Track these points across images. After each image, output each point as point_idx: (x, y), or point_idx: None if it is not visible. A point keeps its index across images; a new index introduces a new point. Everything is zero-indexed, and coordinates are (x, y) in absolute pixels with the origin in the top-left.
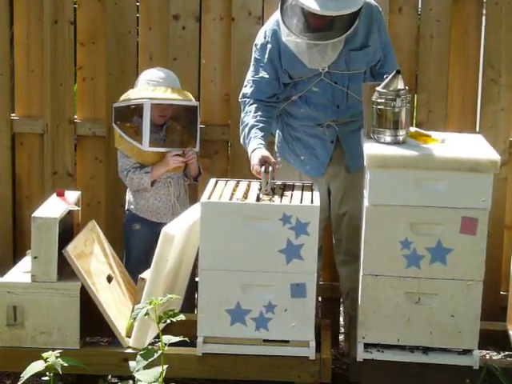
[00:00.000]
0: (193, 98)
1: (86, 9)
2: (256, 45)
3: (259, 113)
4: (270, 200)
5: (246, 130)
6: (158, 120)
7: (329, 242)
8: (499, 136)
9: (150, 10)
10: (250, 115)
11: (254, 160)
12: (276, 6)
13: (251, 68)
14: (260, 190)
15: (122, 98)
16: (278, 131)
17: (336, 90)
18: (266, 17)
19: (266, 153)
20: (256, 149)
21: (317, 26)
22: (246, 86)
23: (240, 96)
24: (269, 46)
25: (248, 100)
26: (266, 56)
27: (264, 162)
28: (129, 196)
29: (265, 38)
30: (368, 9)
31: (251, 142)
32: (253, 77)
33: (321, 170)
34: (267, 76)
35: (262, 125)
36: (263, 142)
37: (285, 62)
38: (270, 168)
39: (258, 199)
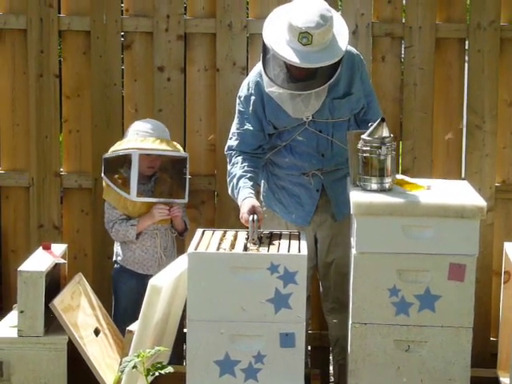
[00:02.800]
0: (182, 150)
1: (71, 62)
2: (240, 97)
3: (246, 163)
4: (257, 249)
5: (235, 180)
6: (147, 171)
7: (316, 290)
8: (485, 182)
9: (134, 62)
10: (237, 166)
11: (244, 209)
12: (260, 57)
13: (236, 120)
14: (247, 239)
15: (111, 149)
16: (263, 181)
17: (320, 139)
18: (251, 67)
19: (256, 203)
20: (246, 198)
21: (299, 76)
22: (231, 139)
23: (226, 148)
24: (252, 97)
25: (234, 152)
26: (250, 108)
27: (253, 211)
28: (116, 248)
29: (248, 89)
30: (350, 57)
31: (241, 192)
32: (238, 129)
33: (307, 218)
34: (252, 128)
35: (250, 175)
36: (253, 192)
37: (269, 113)
38: (256, 217)
39: (246, 248)
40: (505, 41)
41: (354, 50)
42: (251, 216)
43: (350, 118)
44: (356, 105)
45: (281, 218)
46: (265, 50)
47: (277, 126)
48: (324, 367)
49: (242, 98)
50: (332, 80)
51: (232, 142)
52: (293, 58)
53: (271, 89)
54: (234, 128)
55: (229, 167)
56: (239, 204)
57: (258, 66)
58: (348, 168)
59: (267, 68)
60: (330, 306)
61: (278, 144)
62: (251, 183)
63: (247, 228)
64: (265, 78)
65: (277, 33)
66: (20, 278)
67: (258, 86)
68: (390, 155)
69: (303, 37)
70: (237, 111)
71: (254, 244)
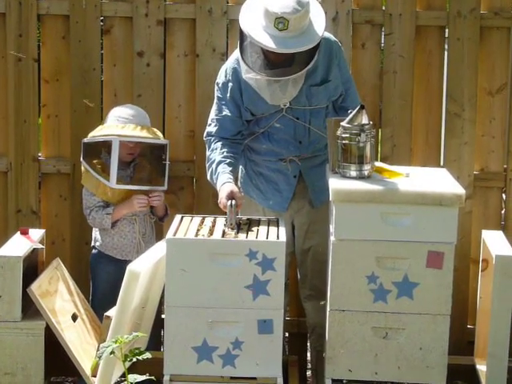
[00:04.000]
0: (162, 136)
1: (49, 46)
2: (218, 83)
3: (225, 149)
4: (235, 235)
5: (214, 165)
6: (126, 157)
7: (294, 277)
8: (463, 170)
9: (114, 46)
10: (216, 152)
11: (222, 194)
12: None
13: (214, 107)
14: (226, 225)
15: (91, 134)
16: (241, 167)
17: (298, 126)
18: (231, 53)
19: (235, 188)
20: (225, 183)
21: (276, 62)
22: (210, 125)
23: (204, 135)
24: (230, 84)
25: (213, 138)
26: (228, 94)
27: (231, 196)
28: (95, 233)
29: (226, 76)
30: (327, 44)
31: (220, 177)
32: (216, 115)
33: (284, 204)
34: (230, 114)
35: (229, 160)
36: (231, 177)
37: (246, 99)
38: (234, 202)
39: (224, 235)
40: (485, 29)
41: (332, 36)
42: (229, 201)
43: (327, 105)
44: (334, 92)
45: (258, 204)
46: (242, 36)
47: (254, 113)
48: (302, 354)
49: (219, 85)
50: (309, 66)
51: (211, 128)
52: (269, 44)
53: (249, 75)
54: (212, 114)
55: (208, 153)
56: (218, 189)
57: (236, 53)
58: (326, 154)
59: (244, 54)
60: (307, 292)
61: (255, 131)
62: (230, 168)
63: (226, 214)
64: (242, 64)
65: (253, 19)
66: None
67: (236, 72)
68: (369, 142)
69: (279, 22)
70: (215, 97)
71: (232, 229)
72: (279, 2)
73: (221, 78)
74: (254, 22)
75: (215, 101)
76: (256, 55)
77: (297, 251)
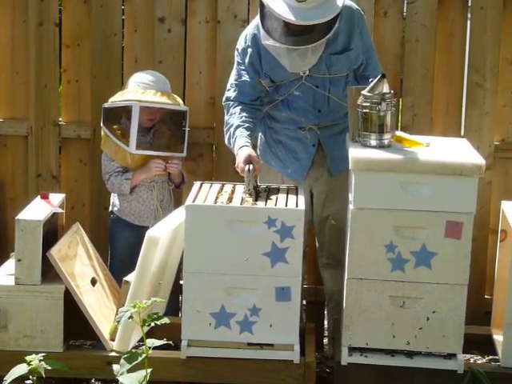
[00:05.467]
0: (182, 103)
1: (71, 11)
2: (237, 49)
3: (244, 113)
4: (253, 201)
5: (232, 130)
6: (146, 123)
7: (313, 244)
8: (484, 140)
9: (135, 12)
10: (234, 116)
11: (240, 158)
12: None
13: (234, 72)
14: (244, 191)
15: (111, 99)
16: (260, 134)
17: (317, 94)
18: (252, 20)
19: (252, 152)
20: (242, 147)
21: (295, 31)
22: (229, 90)
23: (223, 99)
24: (249, 50)
25: (232, 103)
26: (247, 60)
27: (249, 161)
28: (113, 198)
29: (245, 42)
30: (349, 12)
31: (237, 141)
32: (235, 80)
33: (303, 173)
34: (249, 79)
35: (247, 125)
36: (249, 141)
37: (265, 65)
38: (252, 167)
39: (242, 201)
40: None
41: (354, 5)
42: (247, 166)
43: (348, 73)
44: (355, 60)
45: (277, 172)
46: (262, 4)
47: (273, 80)
48: (319, 321)
49: (239, 50)
50: (329, 35)
51: (230, 93)
52: (287, 15)
53: (268, 42)
54: (231, 79)
55: (226, 117)
56: (235, 153)
57: (256, 19)
58: (345, 123)
59: (264, 22)
60: (324, 261)
61: (275, 98)
62: (248, 133)
63: (243, 179)
64: (262, 31)
65: None
66: (18, 226)
67: (255, 38)
68: (389, 111)
69: None
70: (235, 63)
71: (250, 195)
72: None
73: (240, 44)
74: None
75: (235, 66)
76: (276, 23)
77: (315, 219)
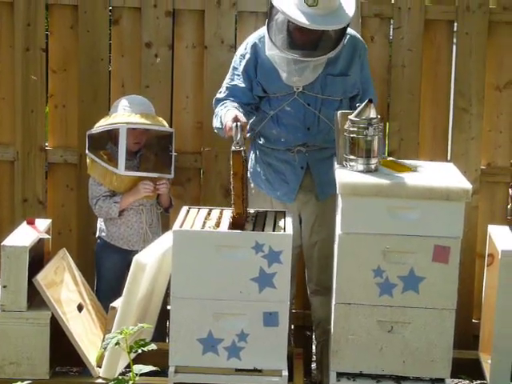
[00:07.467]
0: (167, 125)
1: (58, 36)
2: (236, 54)
3: (235, 104)
4: (239, 148)
5: (221, 110)
6: (133, 147)
7: (301, 270)
8: (470, 164)
9: (122, 37)
10: (224, 105)
11: (227, 118)
12: (249, 34)
13: (228, 75)
14: (232, 217)
15: (96, 125)
16: (251, 157)
17: (308, 112)
18: (239, 45)
19: (239, 112)
20: (229, 110)
21: (301, 42)
22: (220, 92)
23: (213, 101)
24: (247, 56)
25: (222, 102)
26: (243, 66)
27: (237, 120)
28: (100, 223)
29: (245, 49)
30: (354, 41)
31: (225, 110)
32: (227, 84)
33: (291, 195)
34: (241, 85)
35: (237, 106)
36: (237, 107)
37: (260, 74)
38: (239, 123)
39: (231, 226)
40: (493, 24)
41: (359, 36)
42: (234, 123)
43: (342, 99)
44: (350, 88)
45: (266, 194)
46: (271, 13)
47: (266, 89)
48: (307, 346)
49: (237, 56)
50: (332, 53)
51: (220, 95)
52: (300, 19)
53: (272, 52)
54: (224, 83)
55: (216, 111)
56: (222, 121)
57: (261, 30)
58: (334, 148)
59: (271, 32)
60: (313, 287)
61: (266, 112)
62: (237, 105)
63: (231, 204)
64: (267, 41)
65: None
66: (3, 252)
67: (255, 47)
68: (376, 136)
69: None
70: (231, 67)
71: (240, 146)
72: None
73: (240, 50)
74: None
75: (230, 69)
76: (283, 33)
77: (304, 245)
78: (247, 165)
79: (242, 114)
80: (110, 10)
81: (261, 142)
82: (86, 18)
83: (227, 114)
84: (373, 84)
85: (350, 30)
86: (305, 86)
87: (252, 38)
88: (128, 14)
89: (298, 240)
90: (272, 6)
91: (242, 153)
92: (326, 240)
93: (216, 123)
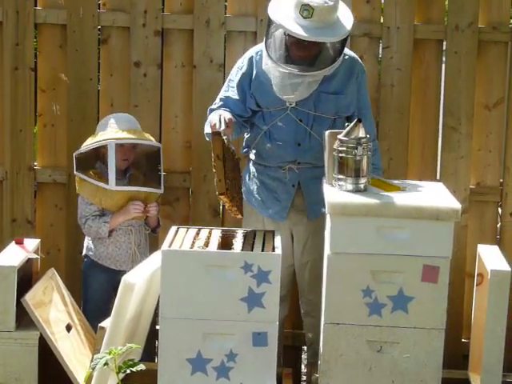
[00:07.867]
0: (154, 140)
1: (46, 55)
2: (234, 67)
3: (228, 110)
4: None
5: (210, 115)
6: (121, 164)
7: (293, 289)
8: (459, 184)
9: (111, 56)
10: (215, 111)
11: (213, 117)
12: (238, 53)
13: (223, 87)
14: (221, 237)
15: (84, 144)
16: (245, 175)
17: (299, 128)
18: (228, 64)
19: (227, 112)
20: (216, 110)
21: (298, 56)
22: (214, 104)
23: (207, 112)
24: (243, 69)
25: (215, 111)
26: (238, 79)
27: (222, 115)
28: (87, 242)
29: (242, 62)
30: (352, 61)
31: (215, 114)
32: (222, 95)
33: (283, 214)
34: (235, 97)
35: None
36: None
37: (254, 87)
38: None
39: (220, 245)
40: (482, 43)
41: (359, 59)
42: (219, 117)
43: (335, 118)
44: (344, 108)
45: (258, 213)
46: (268, 26)
47: (259, 103)
48: (296, 366)
49: (234, 68)
50: (329, 69)
51: (214, 106)
52: (297, 30)
53: (268, 66)
54: (219, 94)
55: (209, 118)
56: (210, 121)
57: (260, 45)
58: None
59: (268, 45)
60: (305, 307)
61: (260, 128)
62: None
63: (219, 224)
64: (264, 55)
65: (283, 10)
66: None
67: (251, 60)
68: (365, 156)
69: (304, 9)
70: (227, 79)
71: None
72: None
73: (238, 63)
74: (283, 12)
75: (226, 81)
76: (280, 47)
77: (296, 265)
78: (230, 149)
79: (229, 114)
80: (99, 30)
81: (254, 159)
82: (74, 37)
83: (215, 115)
84: (370, 108)
85: (350, 52)
86: (298, 102)
87: (250, 52)
88: (117, 34)
89: (291, 259)
90: (269, 19)
91: (222, 134)
92: (318, 260)
93: (206, 129)
